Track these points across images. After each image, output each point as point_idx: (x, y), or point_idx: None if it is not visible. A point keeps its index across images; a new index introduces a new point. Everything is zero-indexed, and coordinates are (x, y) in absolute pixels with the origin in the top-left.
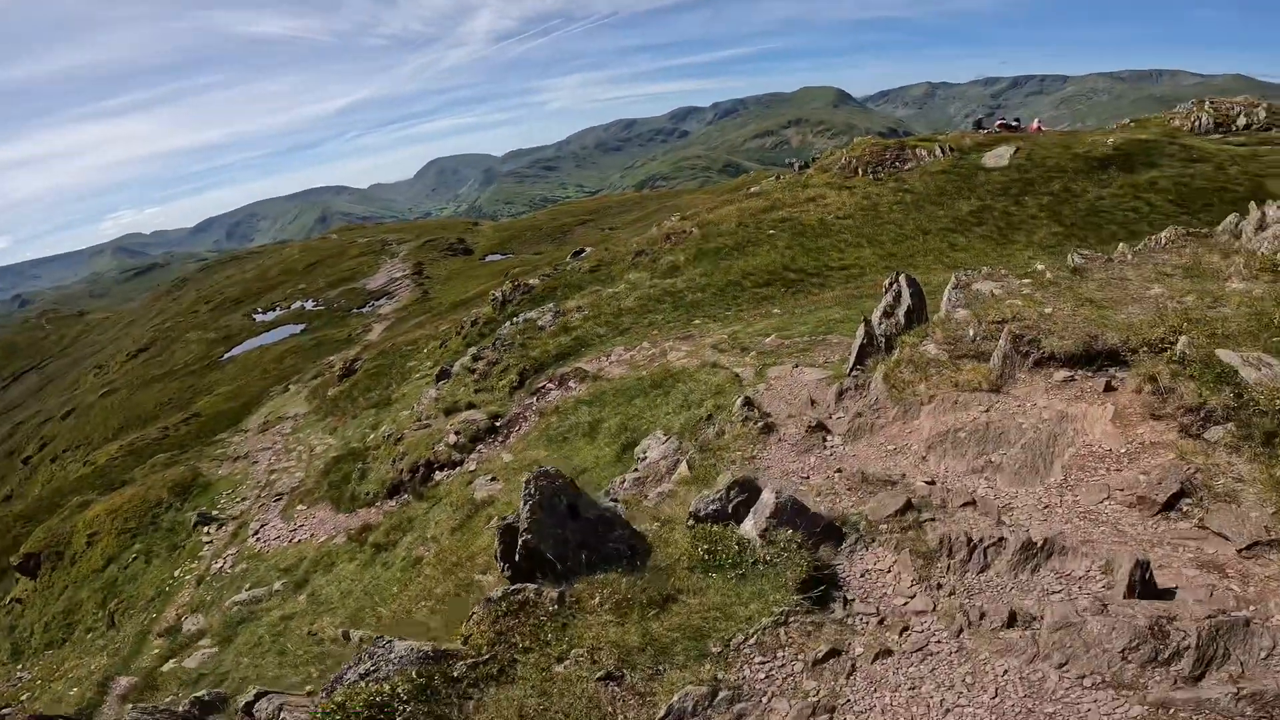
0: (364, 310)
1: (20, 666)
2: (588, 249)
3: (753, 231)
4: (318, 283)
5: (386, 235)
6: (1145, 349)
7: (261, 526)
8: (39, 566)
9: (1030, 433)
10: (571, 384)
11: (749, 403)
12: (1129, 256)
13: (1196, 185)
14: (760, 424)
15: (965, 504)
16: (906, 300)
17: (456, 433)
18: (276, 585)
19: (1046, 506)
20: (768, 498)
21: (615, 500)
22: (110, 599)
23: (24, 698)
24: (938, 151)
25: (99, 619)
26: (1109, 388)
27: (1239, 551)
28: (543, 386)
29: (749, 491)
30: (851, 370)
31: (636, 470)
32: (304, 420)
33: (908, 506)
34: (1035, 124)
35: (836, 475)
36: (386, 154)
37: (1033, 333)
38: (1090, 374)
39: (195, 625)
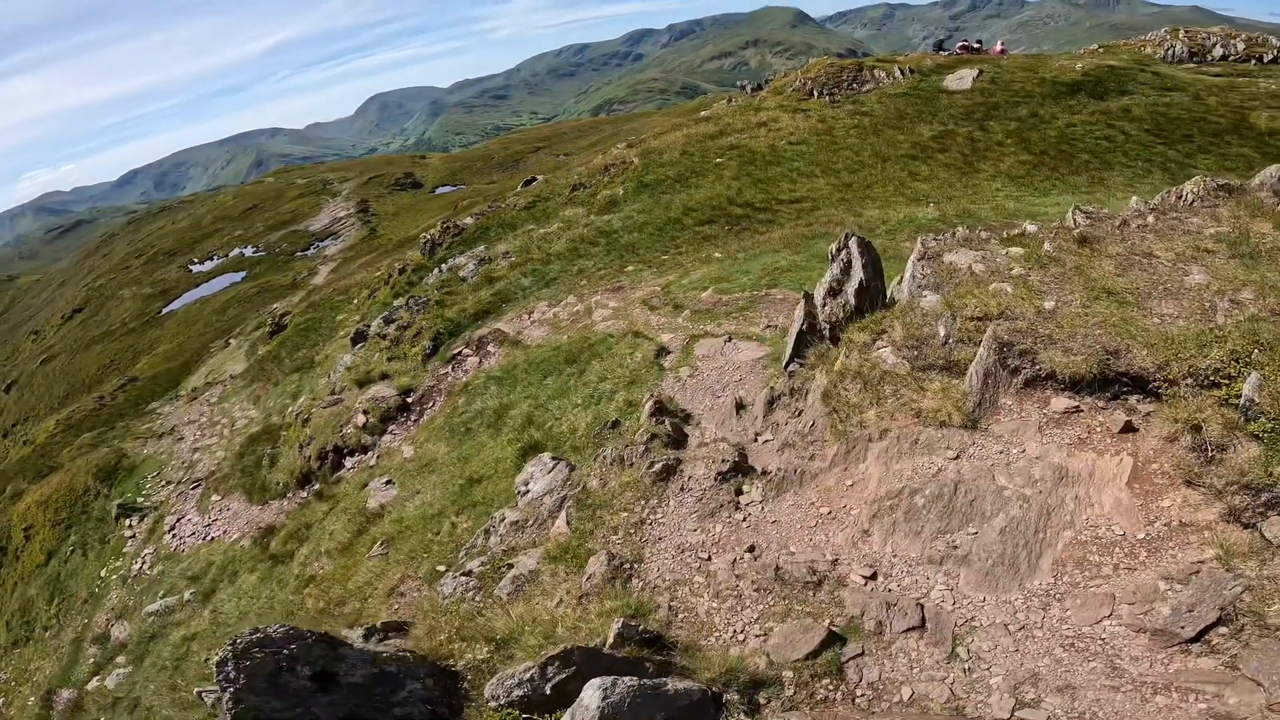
0: (309, 253)
1: None
2: (540, 176)
3: (698, 161)
4: (257, 227)
5: (328, 175)
6: (1189, 380)
7: (178, 520)
8: None
9: (1015, 505)
10: (490, 348)
11: (661, 409)
12: (1149, 218)
13: (1174, 115)
14: (661, 464)
15: (910, 628)
16: (858, 273)
17: (365, 412)
18: (186, 595)
19: (1022, 627)
20: (590, 699)
21: (469, 574)
22: (56, 595)
23: None
24: (898, 73)
25: (52, 617)
26: (1129, 428)
27: (1269, 706)
28: (459, 353)
29: (578, 665)
30: (788, 364)
31: (517, 506)
32: (232, 386)
33: (828, 641)
34: (998, 46)
35: (746, 559)
36: (323, 92)
37: (1026, 340)
38: (1103, 403)
39: (121, 634)
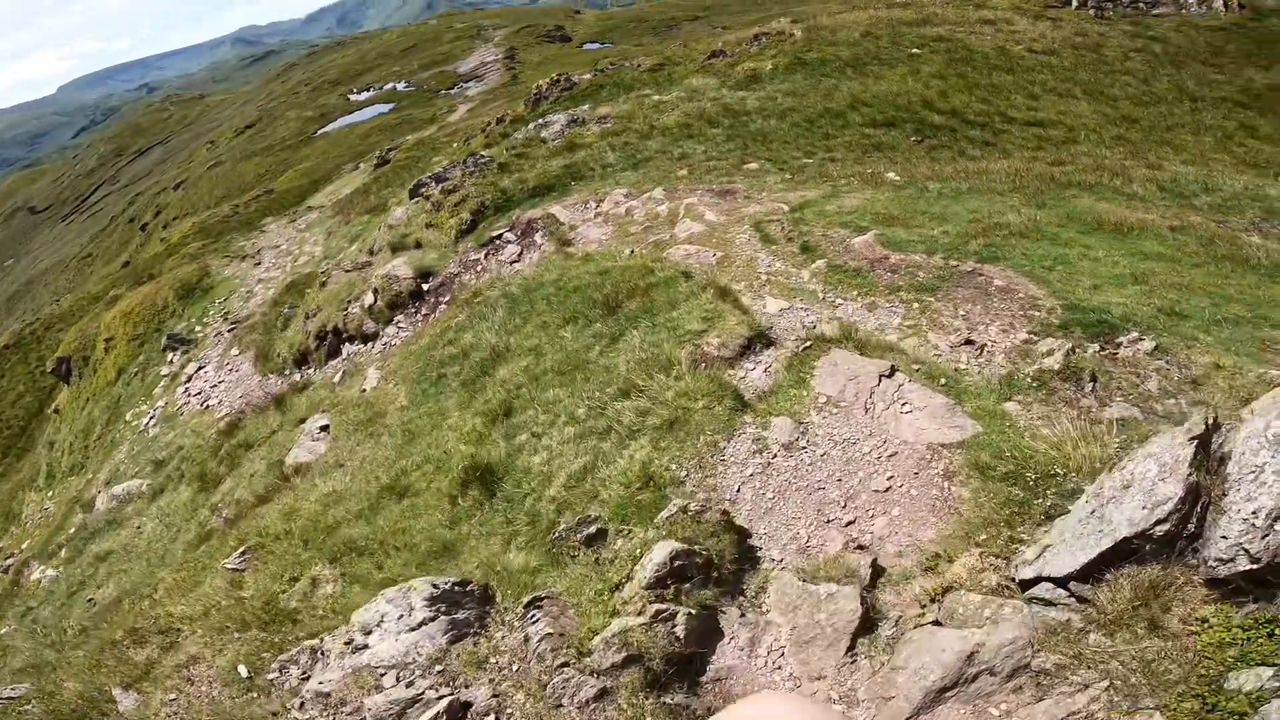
0: (452, 92)
1: (51, 494)
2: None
3: (886, 46)
4: (412, 65)
5: (484, 21)
6: None
7: (198, 370)
8: (70, 372)
9: None
10: (537, 238)
11: (679, 569)
12: None
13: None
14: None
15: None
16: None
17: (375, 291)
18: (144, 486)
19: None
20: None
21: None
22: (114, 421)
23: (25, 544)
24: (1219, 2)
25: (101, 448)
26: None
27: None
28: (499, 236)
29: None
30: (1042, 601)
31: (343, 659)
32: (320, 214)
33: None
34: None
35: None
36: None
37: None
38: None
39: (102, 505)
